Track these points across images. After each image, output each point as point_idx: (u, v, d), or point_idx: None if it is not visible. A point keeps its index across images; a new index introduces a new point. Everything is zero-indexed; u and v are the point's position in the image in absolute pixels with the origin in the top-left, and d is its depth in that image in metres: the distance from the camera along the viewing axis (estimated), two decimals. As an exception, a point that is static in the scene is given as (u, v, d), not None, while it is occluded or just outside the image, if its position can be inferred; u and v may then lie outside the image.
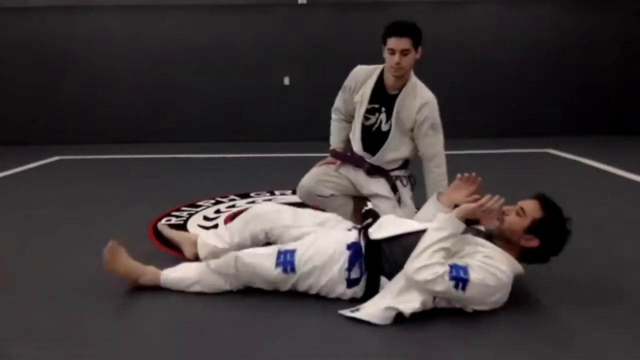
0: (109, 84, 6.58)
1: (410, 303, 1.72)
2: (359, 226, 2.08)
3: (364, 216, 2.15)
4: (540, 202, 1.87)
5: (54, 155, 5.58)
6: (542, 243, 1.85)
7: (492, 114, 6.71)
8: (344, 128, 2.68)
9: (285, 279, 1.92)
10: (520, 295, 1.83)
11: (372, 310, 1.75)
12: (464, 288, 1.70)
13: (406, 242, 1.85)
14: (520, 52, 6.59)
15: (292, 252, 1.91)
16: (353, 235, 1.96)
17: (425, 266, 1.69)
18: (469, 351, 1.62)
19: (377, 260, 1.88)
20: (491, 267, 1.74)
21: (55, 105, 6.62)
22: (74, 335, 1.73)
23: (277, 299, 1.94)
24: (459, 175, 2.08)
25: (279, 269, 1.90)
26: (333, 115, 2.73)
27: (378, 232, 1.95)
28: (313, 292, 1.93)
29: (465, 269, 1.72)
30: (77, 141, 6.46)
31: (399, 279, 1.79)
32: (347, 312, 1.79)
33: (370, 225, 2.02)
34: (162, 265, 2.07)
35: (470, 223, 1.85)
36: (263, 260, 1.92)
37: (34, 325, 1.80)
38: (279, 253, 1.93)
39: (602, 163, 4.58)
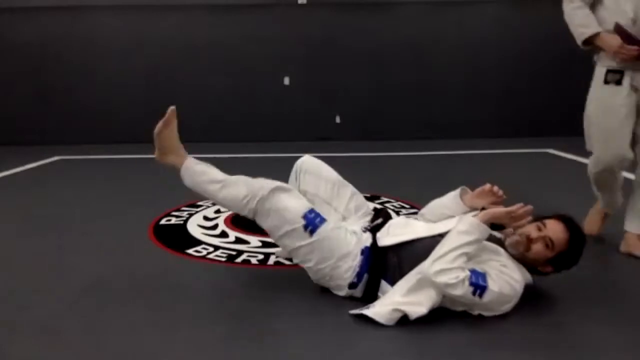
0: (109, 84, 6.58)
1: (417, 307, 1.72)
2: (369, 226, 2.04)
3: (374, 216, 2.12)
4: (570, 236, 1.84)
5: (54, 155, 5.57)
6: (553, 270, 1.89)
7: (492, 114, 6.70)
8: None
9: (300, 237, 1.88)
10: (522, 296, 1.82)
11: (380, 309, 1.75)
12: (481, 295, 1.70)
13: (418, 247, 1.84)
14: (520, 52, 6.58)
15: (323, 219, 1.89)
16: (368, 239, 1.95)
17: (448, 269, 1.68)
18: (472, 352, 1.62)
19: (381, 265, 1.88)
20: (507, 277, 1.75)
21: (55, 105, 6.61)
22: (74, 335, 1.73)
23: (276, 299, 1.95)
24: (488, 185, 2.02)
25: (302, 223, 1.87)
26: (573, 4, 2.56)
27: (386, 237, 1.94)
28: (315, 277, 1.94)
29: (484, 276, 1.72)
30: (77, 141, 6.45)
31: (410, 278, 1.79)
32: (355, 311, 1.79)
33: (379, 226, 2.01)
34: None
35: (494, 228, 1.84)
36: (298, 206, 1.90)
37: (34, 325, 1.80)
38: (312, 210, 1.90)
39: (602, 163, 4.57)
